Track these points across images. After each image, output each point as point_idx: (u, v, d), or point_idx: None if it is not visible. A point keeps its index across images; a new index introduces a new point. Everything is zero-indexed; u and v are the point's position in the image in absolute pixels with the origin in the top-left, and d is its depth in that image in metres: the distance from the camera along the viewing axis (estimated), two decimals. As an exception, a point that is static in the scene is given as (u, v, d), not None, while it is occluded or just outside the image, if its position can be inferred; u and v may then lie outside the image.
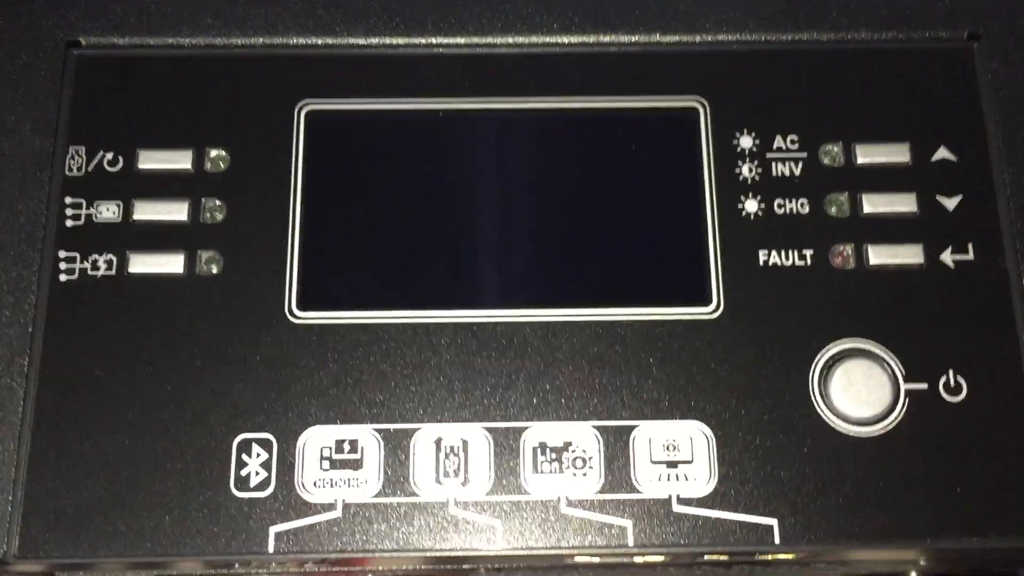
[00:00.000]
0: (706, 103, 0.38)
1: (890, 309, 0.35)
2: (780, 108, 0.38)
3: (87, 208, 0.36)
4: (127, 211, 0.36)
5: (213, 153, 0.37)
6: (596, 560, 0.36)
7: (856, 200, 0.37)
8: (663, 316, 0.36)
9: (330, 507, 0.34)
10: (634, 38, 0.38)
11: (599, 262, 0.36)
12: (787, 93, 0.38)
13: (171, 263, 0.36)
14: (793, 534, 0.34)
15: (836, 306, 0.36)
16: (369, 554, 0.34)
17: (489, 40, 0.38)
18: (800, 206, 0.37)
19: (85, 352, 0.35)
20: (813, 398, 0.35)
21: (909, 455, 0.34)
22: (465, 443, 0.34)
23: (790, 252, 0.36)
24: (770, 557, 0.36)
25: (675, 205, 0.37)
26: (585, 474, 0.34)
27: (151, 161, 0.37)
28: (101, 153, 0.37)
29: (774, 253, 0.36)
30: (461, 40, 0.38)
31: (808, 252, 0.36)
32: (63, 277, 0.36)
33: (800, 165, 0.37)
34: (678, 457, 0.34)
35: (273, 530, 0.34)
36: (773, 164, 0.37)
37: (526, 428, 0.35)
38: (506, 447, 0.34)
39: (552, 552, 0.34)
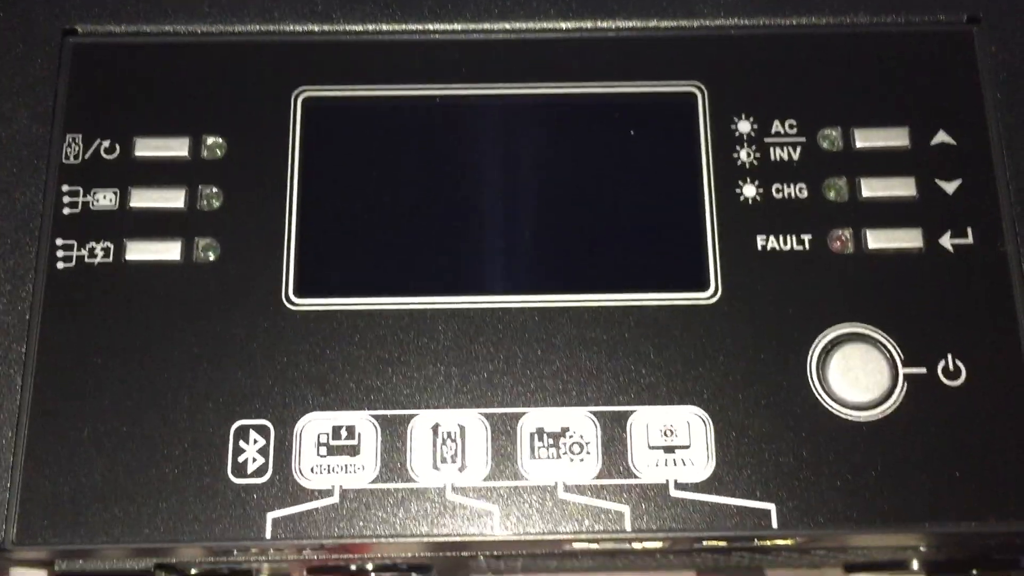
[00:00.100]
0: (704, 88, 0.38)
1: (889, 293, 0.35)
2: (778, 93, 0.37)
3: (84, 196, 0.36)
4: (124, 198, 0.36)
5: (210, 140, 0.37)
6: (595, 546, 0.36)
7: (855, 184, 0.36)
8: (661, 301, 0.35)
9: (327, 493, 0.34)
10: (632, 23, 0.38)
11: (596, 248, 0.36)
12: (785, 77, 0.38)
13: (168, 250, 0.36)
14: (791, 519, 0.33)
15: (834, 291, 0.35)
16: (366, 540, 0.34)
17: (486, 26, 0.38)
18: (798, 191, 0.36)
19: (82, 339, 0.35)
20: (811, 383, 0.35)
21: (908, 440, 0.34)
22: (462, 429, 0.34)
23: (788, 237, 0.36)
24: (768, 543, 0.36)
25: (673, 190, 0.37)
26: (582, 459, 0.34)
27: (148, 148, 0.37)
28: (98, 141, 0.37)
29: (772, 238, 0.36)
30: (458, 26, 0.38)
31: (806, 237, 0.36)
32: (60, 265, 0.36)
33: (798, 150, 0.37)
34: (675, 442, 0.34)
35: (270, 516, 0.34)
36: (771, 149, 0.37)
37: (523, 414, 0.34)
38: (503, 433, 0.34)
39: (549, 537, 0.34)
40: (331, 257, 0.36)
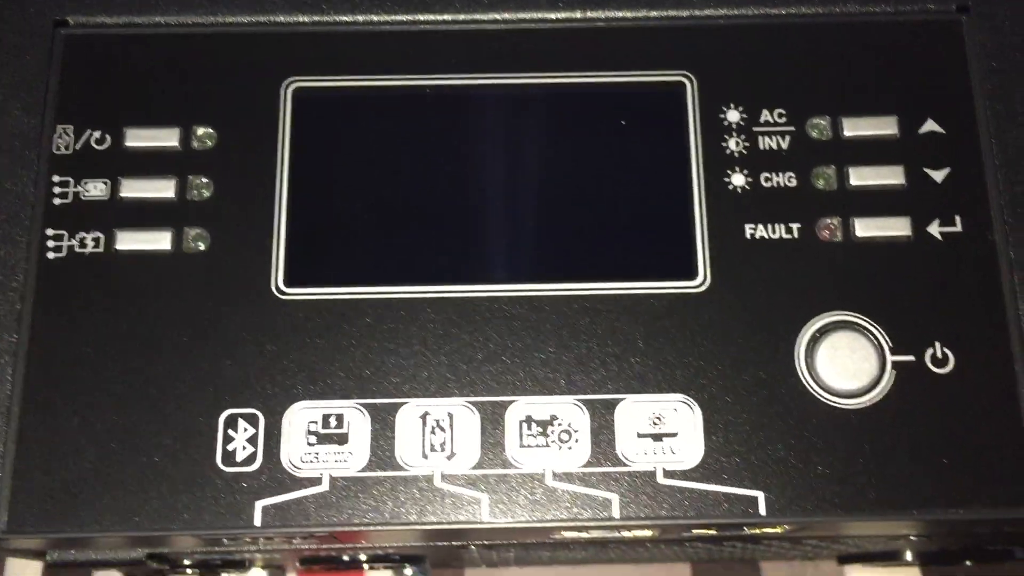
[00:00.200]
0: (693, 77, 0.38)
1: (877, 282, 0.35)
2: (767, 82, 0.37)
3: (75, 186, 0.37)
4: (114, 189, 0.37)
5: (200, 131, 0.37)
6: (584, 535, 0.36)
7: (843, 173, 0.36)
8: (650, 290, 0.36)
9: (316, 482, 0.34)
10: (621, 13, 0.38)
11: (586, 236, 0.36)
12: (774, 67, 0.38)
13: (158, 240, 0.36)
14: (779, 506, 0.33)
15: (823, 279, 0.35)
16: (355, 528, 0.34)
17: (476, 16, 0.38)
18: (787, 179, 0.37)
19: (73, 329, 0.35)
20: (799, 371, 0.35)
21: (895, 427, 0.34)
22: (451, 417, 0.34)
23: (777, 226, 0.36)
24: (758, 531, 0.36)
25: (662, 179, 0.37)
26: (571, 447, 0.34)
27: (138, 139, 0.37)
28: (89, 131, 0.37)
29: (761, 227, 0.36)
30: (447, 16, 0.38)
31: (795, 225, 0.36)
32: (51, 255, 0.36)
33: (787, 139, 0.37)
34: (664, 430, 0.34)
35: (260, 504, 0.34)
36: (760, 138, 0.37)
37: (512, 402, 0.35)
38: (492, 421, 0.34)
39: (538, 525, 0.34)
40: (320, 247, 0.36)
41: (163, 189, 0.36)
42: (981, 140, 0.37)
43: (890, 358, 0.35)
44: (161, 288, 0.36)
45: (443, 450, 0.34)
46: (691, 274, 0.36)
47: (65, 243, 0.36)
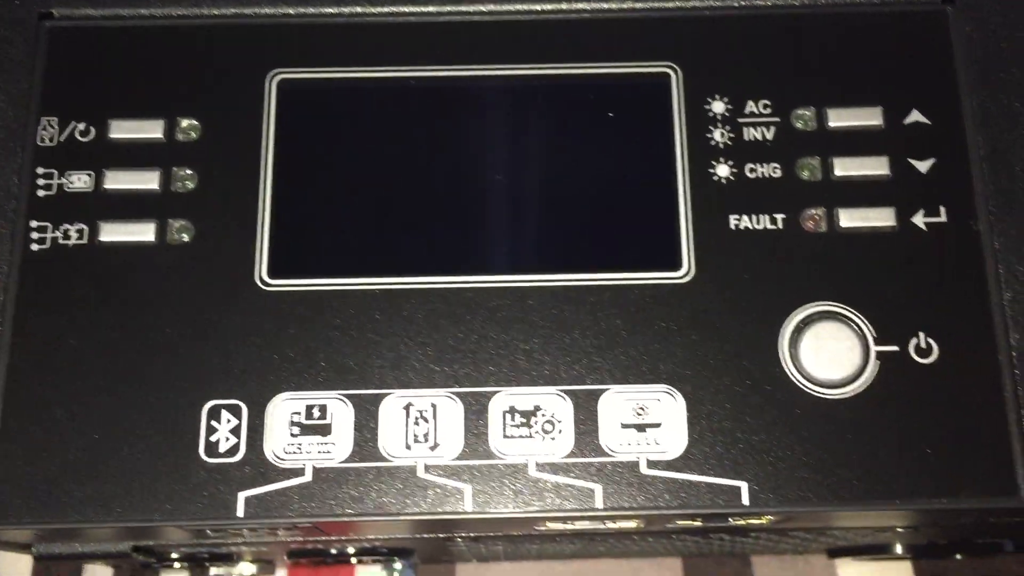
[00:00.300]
0: (678, 69, 0.38)
1: (861, 272, 0.35)
2: (752, 73, 0.37)
3: (59, 178, 0.37)
4: (99, 180, 0.37)
5: (184, 123, 0.37)
6: (569, 527, 0.36)
7: (828, 164, 0.36)
8: (634, 281, 0.36)
9: (299, 472, 0.34)
10: (607, 5, 0.38)
11: (570, 228, 0.36)
12: (759, 58, 0.38)
13: (142, 231, 0.36)
14: (762, 496, 0.33)
15: (807, 269, 0.35)
16: (338, 519, 0.34)
17: (460, 8, 0.38)
18: (772, 170, 0.37)
19: (57, 320, 0.35)
20: (783, 361, 0.35)
21: (879, 417, 0.34)
22: (434, 408, 0.34)
23: (761, 216, 0.36)
24: (743, 522, 0.36)
25: (647, 170, 0.37)
26: (554, 438, 0.34)
27: (123, 131, 0.37)
28: (73, 123, 0.37)
29: (745, 217, 0.36)
30: (432, 8, 0.38)
31: (780, 216, 0.36)
32: (35, 247, 0.36)
33: (772, 130, 0.37)
34: (647, 420, 0.34)
35: (242, 495, 0.34)
36: (745, 129, 0.37)
37: (496, 393, 0.35)
38: (475, 412, 0.34)
39: (521, 515, 0.34)
40: (304, 238, 0.36)
41: (147, 181, 0.36)
42: (966, 131, 0.37)
43: (874, 348, 0.35)
44: (145, 280, 0.36)
45: (426, 441, 0.34)
46: (675, 265, 0.36)
47: (49, 235, 0.36)
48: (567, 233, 0.36)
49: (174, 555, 0.45)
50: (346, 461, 0.34)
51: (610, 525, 0.36)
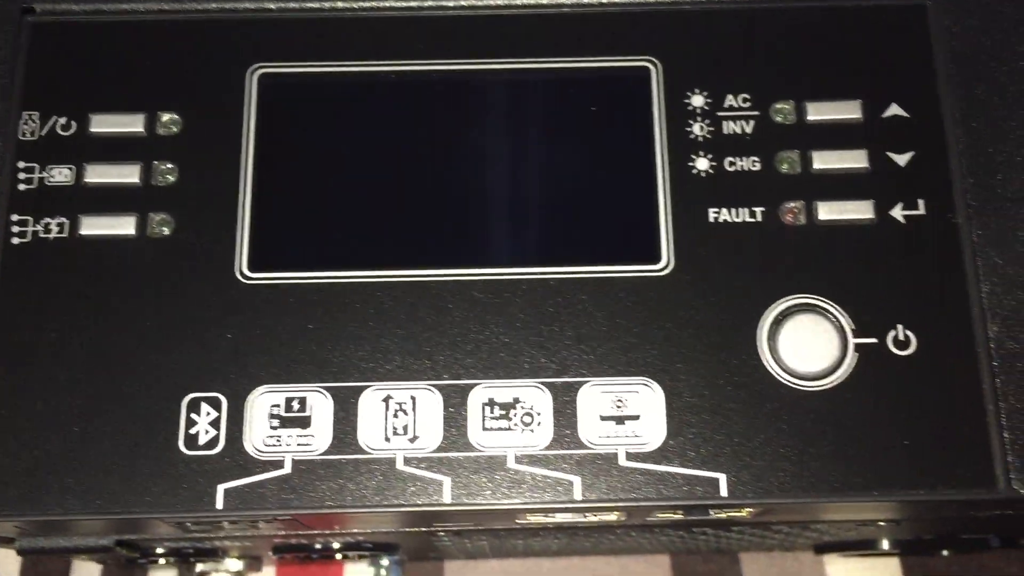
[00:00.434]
0: (658, 63, 0.38)
1: (840, 265, 0.35)
2: (732, 67, 0.38)
3: (40, 172, 0.37)
4: (79, 174, 0.37)
5: (165, 117, 0.37)
6: (549, 519, 0.37)
7: (807, 157, 0.37)
8: (613, 274, 0.36)
9: (279, 465, 0.34)
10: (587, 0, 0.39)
11: (550, 221, 0.37)
12: (739, 52, 0.38)
13: (123, 225, 0.36)
14: (740, 488, 0.34)
15: (786, 262, 0.36)
16: (318, 511, 0.34)
17: (442, 3, 0.38)
18: (751, 164, 0.37)
19: (37, 313, 0.35)
20: (762, 353, 0.35)
21: (858, 409, 0.34)
22: (414, 400, 0.35)
23: (741, 209, 0.36)
24: (724, 515, 0.36)
25: (626, 164, 0.37)
26: (533, 430, 0.34)
27: (103, 125, 0.37)
28: (54, 118, 0.37)
29: (725, 210, 0.36)
30: (413, 3, 0.38)
31: (759, 209, 0.36)
32: (15, 240, 0.36)
33: (752, 123, 0.37)
34: (626, 413, 0.34)
35: (222, 488, 0.34)
36: (724, 123, 0.37)
37: (475, 385, 0.35)
38: (455, 404, 0.34)
39: (500, 507, 0.34)
40: (284, 231, 0.36)
41: (128, 174, 0.37)
42: (945, 124, 0.37)
43: (852, 340, 0.35)
44: (125, 273, 0.36)
45: (406, 433, 0.34)
46: (655, 258, 0.36)
47: (30, 228, 0.36)
48: (547, 226, 0.36)
49: (159, 550, 0.45)
50: (325, 453, 0.34)
51: (590, 518, 0.36)
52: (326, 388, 0.35)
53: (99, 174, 0.37)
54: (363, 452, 0.34)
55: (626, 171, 0.37)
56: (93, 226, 0.36)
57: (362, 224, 0.36)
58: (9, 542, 0.40)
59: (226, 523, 0.36)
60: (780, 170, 0.37)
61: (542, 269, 0.36)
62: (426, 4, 0.38)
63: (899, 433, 0.34)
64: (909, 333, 0.35)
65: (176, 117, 0.37)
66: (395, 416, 0.34)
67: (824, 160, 0.36)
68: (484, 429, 0.34)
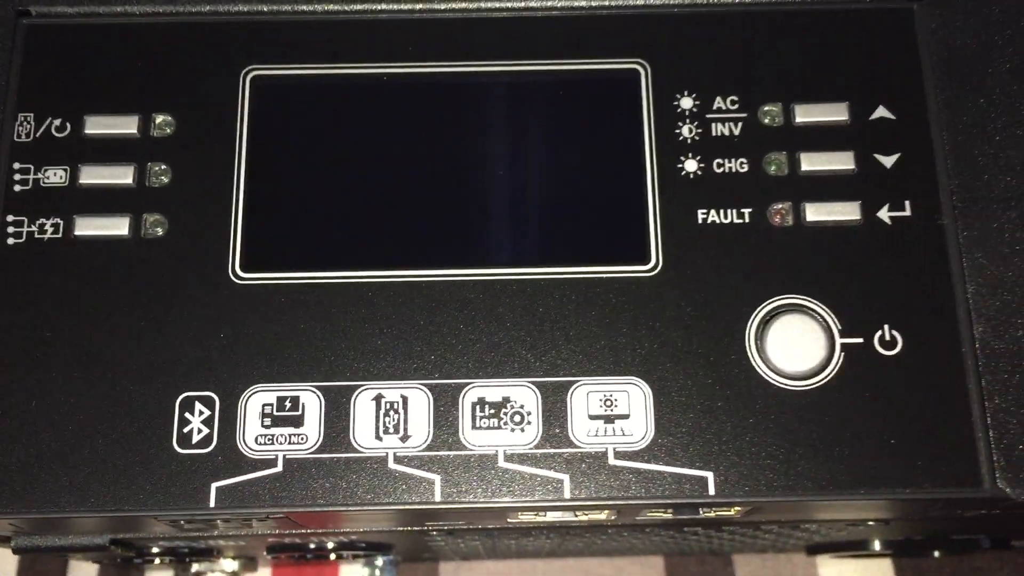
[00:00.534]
0: (647, 65, 0.38)
1: (827, 265, 0.36)
2: (720, 70, 0.38)
3: (35, 173, 0.37)
4: (74, 175, 0.37)
5: (159, 118, 0.38)
6: (539, 518, 0.37)
7: (795, 159, 0.37)
8: (603, 274, 0.36)
9: (271, 463, 0.34)
10: (578, 3, 0.39)
11: (540, 222, 0.37)
12: (727, 55, 0.38)
13: (116, 226, 0.36)
14: (728, 486, 0.34)
15: (774, 263, 0.36)
16: (309, 509, 0.34)
17: (433, 6, 0.39)
18: (739, 165, 0.37)
19: (31, 313, 0.35)
20: (750, 353, 0.35)
21: (844, 408, 0.34)
22: (405, 399, 0.35)
23: (729, 211, 0.36)
24: (713, 514, 0.36)
25: (616, 165, 0.37)
26: (523, 429, 0.34)
27: (98, 126, 0.37)
28: (49, 119, 0.37)
29: (713, 212, 0.36)
30: (404, 6, 0.39)
31: (747, 210, 0.36)
32: (10, 241, 0.36)
33: (740, 125, 0.37)
34: (615, 412, 0.35)
35: (215, 486, 0.34)
36: (713, 124, 0.37)
37: (466, 384, 0.35)
38: (446, 403, 0.35)
39: (490, 505, 0.34)
40: (277, 232, 0.37)
41: (122, 176, 0.37)
42: (931, 127, 0.37)
43: (839, 340, 0.35)
44: (119, 273, 0.36)
45: (397, 432, 0.35)
46: (644, 258, 0.36)
47: (24, 229, 0.36)
48: (537, 227, 0.37)
49: (154, 549, 0.45)
50: (317, 452, 0.34)
51: (581, 516, 0.37)
52: (318, 387, 0.35)
53: (93, 175, 0.37)
54: (355, 451, 0.34)
55: (616, 172, 0.37)
56: (87, 227, 0.36)
57: (354, 225, 0.37)
58: (5, 541, 0.40)
59: (219, 521, 0.36)
60: (768, 172, 0.37)
61: (532, 269, 0.36)
62: (417, 7, 0.39)
63: (885, 432, 0.34)
64: (895, 333, 0.35)
65: (170, 119, 0.38)
66: (386, 415, 0.35)
67: (811, 162, 0.37)
68: (474, 428, 0.35)
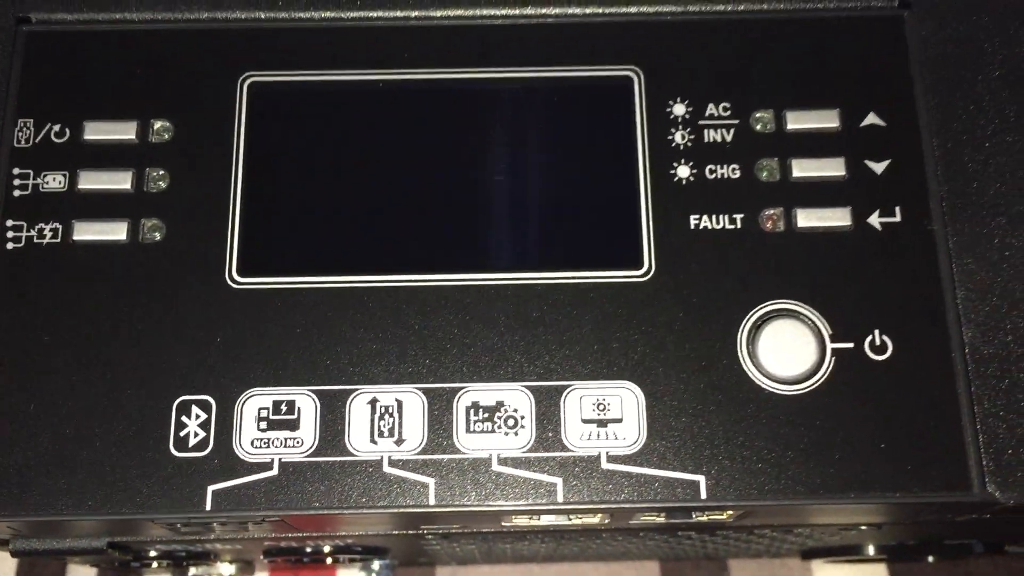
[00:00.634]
0: (641, 72, 0.38)
1: (818, 271, 0.36)
2: (713, 77, 0.38)
3: (34, 178, 0.37)
4: (72, 181, 0.37)
5: (157, 124, 0.38)
6: (532, 521, 0.37)
7: (786, 165, 0.37)
8: (596, 279, 0.36)
9: (267, 467, 0.35)
10: (572, 10, 0.39)
11: (535, 227, 0.37)
12: (720, 62, 0.38)
13: (114, 230, 0.37)
14: (720, 490, 0.34)
15: (765, 268, 0.36)
16: (305, 512, 0.34)
17: (428, 13, 0.39)
18: (731, 171, 0.37)
19: (30, 317, 0.36)
20: (741, 357, 0.35)
21: (835, 413, 0.35)
22: (400, 403, 0.35)
23: (721, 216, 0.37)
24: (705, 518, 0.37)
25: (609, 171, 0.38)
26: (516, 433, 0.35)
27: (97, 132, 0.38)
28: (49, 125, 0.38)
29: (705, 217, 0.37)
30: (399, 13, 0.39)
31: (739, 216, 0.37)
32: (10, 245, 0.37)
33: (732, 132, 0.38)
34: (608, 416, 0.35)
35: (211, 489, 0.34)
36: (705, 131, 0.38)
37: (460, 388, 0.35)
38: (440, 407, 0.35)
39: (483, 509, 0.34)
40: (273, 237, 0.37)
41: (120, 181, 0.37)
42: (921, 133, 0.37)
43: (830, 345, 0.35)
44: (117, 277, 0.36)
45: (391, 436, 0.35)
46: (637, 263, 0.36)
47: (24, 234, 0.37)
48: (532, 232, 0.37)
49: (152, 553, 0.45)
50: (313, 455, 0.35)
51: (574, 520, 0.37)
52: (314, 391, 0.35)
53: (92, 180, 0.37)
54: (350, 454, 0.35)
55: (609, 178, 0.37)
56: (86, 232, 0.37)
57: (350, 230, 0.37)
58: (3, 544, 0.41)
59: (216, 524, 0.36)
60: (760, 178, 0.37)
61: (526, 274, 0.36)
62: (413, 15, 0.39)
63: (875, 436, 0.34)
64: (886, 338, 0.35)
65: (168, 124, 0.38)
66: (381, 418, 0.35)
67: (803, 168, 0.37)
68: (468, 432, 0.35)
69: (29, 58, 0.39)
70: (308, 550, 0.46)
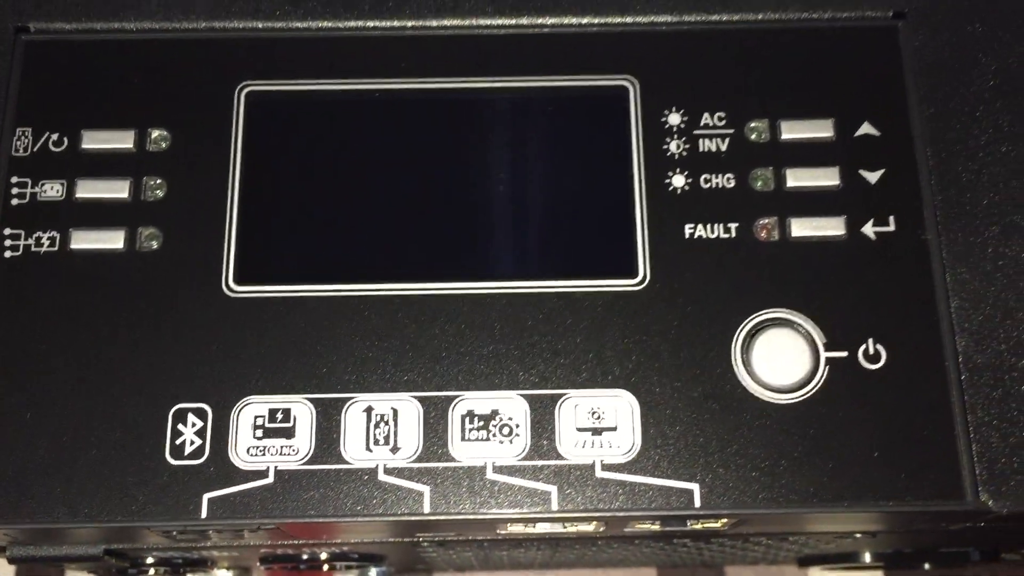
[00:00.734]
0: (636, 82, 0.39)
1: (812, 280, 0.36)
2: (708, 86, 0.38)
3: (32, 187, 0.38)
4: (70, 189, 0.37)
5: (155, 133, 0.38)
6: (531, 530, 0.37)
7: (780, 174, 0.37)
8: (591, 288, 0.36)
9: (263, 475, 0.35)
10: (567, 20, 0.39)
11: (530, 236, 0.37)
12: (715, 72, 0.39)
13: (112, 239, 0.37)
14: (714, 498, 0.34)
15: (759, 277, 0.36)
16: (300, 520, 0.34)
17: (425, 23, 0.39)
18: (726, 181, 0.37)
19: (27, 325, 0.36)
20: (736, 366, 0.35)
21: (829, 421, 0.35)
22: (395, 412, 0.35)
23: (715, 225, 0.37)
24: (699, 526, 0.37)
25: (604, 181, 0.38)
26: (511, 441, 0.35)
27: (95, 141, 0.38)
28: (47, 134, 0.38)
29: (700, 226, 0.37)
30: (396, 23, 0.39)
31: (733, 225, 0.37)
32: (7, 254, 0.37)
33: (727, 141, 0.38)
34: (603, 424, 0.35)
35: (206, 497, 0.34)
36: (700, 140, 0.38)
37: (455, 397, 0.35)
38: (436, 415, 0.35)
39: (478, 517, 0.34)
40: (270, 246, 0.37)
41: (117, 190, 0.37)
42: (915, 143, 0.37)
43: (824, 354, 0.36)
44: (114, 286, 0.36)
45: (387, 444, 0.35)
46: (632, 272, 0.37)
47: (21, 242, 0.37)
48: (527, 241, 0.37)
49: (149, 560, 0.45)
50: (308, 463, 0.35)
51: (569, 528, 0.37)
52: (310, 399, 0.35)
53: (89, 189, 0.37)
54: (345, 462, 0.35)
55: (604, 187, 0.38)
56: (83, 240, 0.37)
57: (346, 239, 0.37)
58: (0, 550, 0.41)
59: (211, 532, 0.37)
60: (754, 187, 0.37)
61: (521, 283, 0.36)
62: (409, 24, 0.39)
63: (869, 445, 0.35)
64: (879, 347, 0.35)
65: (165, 133, 0.38)
66: (377, 427, 0.35)
67: (797, 177, 0.37)
68: (464, 440, 0.35)
69: (28, 67, 0.39)
70: (304, 557, 0.46)
